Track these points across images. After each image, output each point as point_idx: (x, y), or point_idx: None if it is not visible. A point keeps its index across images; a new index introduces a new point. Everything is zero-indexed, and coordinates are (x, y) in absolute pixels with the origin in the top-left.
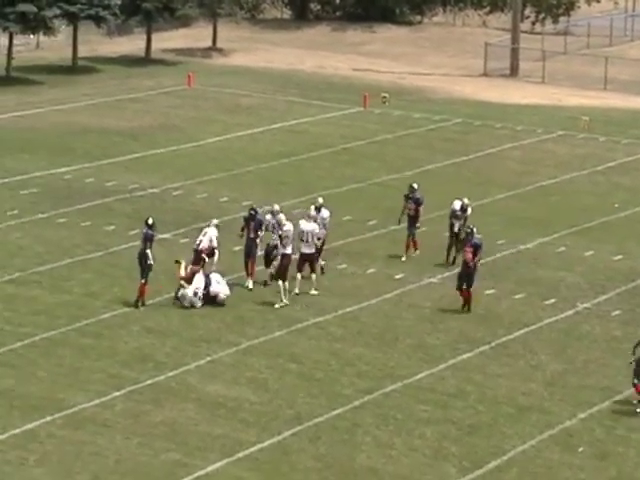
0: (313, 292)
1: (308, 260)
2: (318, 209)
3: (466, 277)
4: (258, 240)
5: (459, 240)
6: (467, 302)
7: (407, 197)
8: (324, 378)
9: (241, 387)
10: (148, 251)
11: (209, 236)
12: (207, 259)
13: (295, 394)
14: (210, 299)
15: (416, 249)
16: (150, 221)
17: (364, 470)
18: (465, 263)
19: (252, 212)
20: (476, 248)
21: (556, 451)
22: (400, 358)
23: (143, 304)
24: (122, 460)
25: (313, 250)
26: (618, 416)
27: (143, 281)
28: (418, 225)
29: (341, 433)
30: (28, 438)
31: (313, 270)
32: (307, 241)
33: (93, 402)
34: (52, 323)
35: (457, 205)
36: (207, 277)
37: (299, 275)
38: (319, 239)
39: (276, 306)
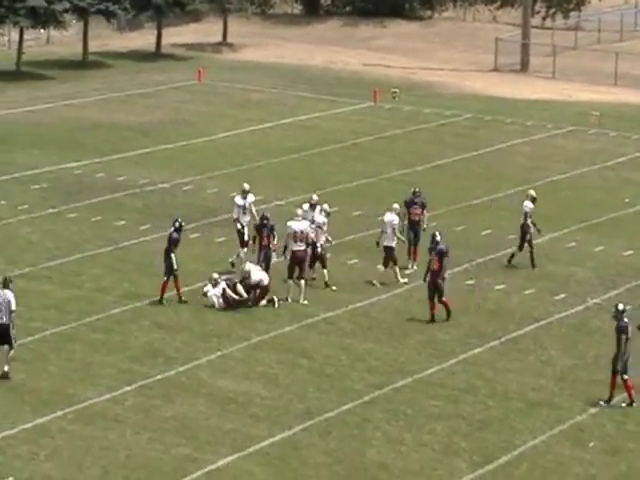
0: (403, 280)
1: (387, 253)
2: (313, 206)
3: (434, 287)
4: (272, 247)
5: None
6: (446, 310)
7: (410, 202)
8: (334, 373)
9: (252, 382)
10: (172, 255)
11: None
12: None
13: (305, 389)
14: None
15: (415, 260)
16: (177, 224)
17: (374, 465)
18: (433, 272)
19: (264, 221)
20: (442, 255)
21: (566, 446)
22: (410, 353)
23: (160, 300)
24: (132, 455)
25: (393, 244)
26: (629, 411)
27: (165, 278)
28: (425, 228)
29: (351, 428)
30: (39, 433)
31: (395, 263)
32: (386, 232)
33: (104, 397)
34: (62, 318)
35: (530, 205)
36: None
37: (381, 268)
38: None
39: (305, 302)
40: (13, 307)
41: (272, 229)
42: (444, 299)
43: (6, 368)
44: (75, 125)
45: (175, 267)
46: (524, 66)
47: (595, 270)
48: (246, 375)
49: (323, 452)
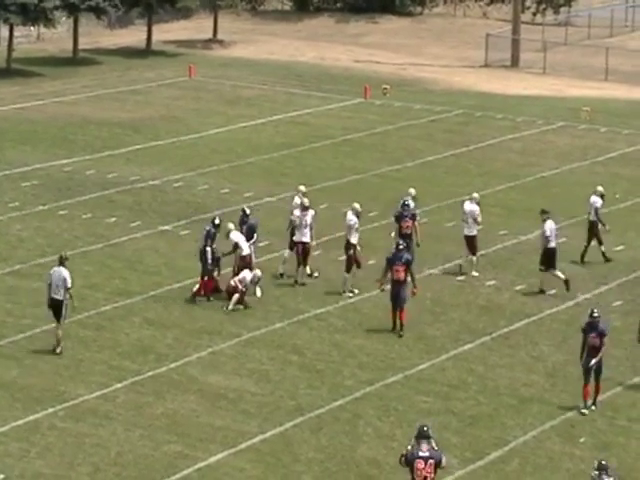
0: (474, 273)
1: (468, 242)
2: (306, 209)
3: (396, 296)
4: (251, 245)
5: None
6: (400, 322)
7: (400, 216)
8: (325, 369)
9: (242, 378)
10: (208, 249)
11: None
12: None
13: (296, 385)
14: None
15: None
16: (217, 221)
17: (365, 461)
18: (396, 282)
19: (241, 214)
20: (409, 265)
21: (557, 442)
22: (401, 349)
23: (208, 298)
24: (123, 452)
25: (473, 232)
26: (619, 407)
27: (206, 278)
28: (419, 243)
29: (342, 424)
30: (30, 430)
31: (473, 253)
32: (467, 222)
33: (94, 394)
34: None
35: (599, 201)
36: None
37: (473, 257)
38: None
39: (349, 295)
40: (69, 284)
41: (251, 228)
42: (404, 309)
43: (58, 350)
44: (66, 122)
45: (210, 262)
46: (514, 62)
47: (586, 265)
48: (237, 372)
49: (314, 448)
